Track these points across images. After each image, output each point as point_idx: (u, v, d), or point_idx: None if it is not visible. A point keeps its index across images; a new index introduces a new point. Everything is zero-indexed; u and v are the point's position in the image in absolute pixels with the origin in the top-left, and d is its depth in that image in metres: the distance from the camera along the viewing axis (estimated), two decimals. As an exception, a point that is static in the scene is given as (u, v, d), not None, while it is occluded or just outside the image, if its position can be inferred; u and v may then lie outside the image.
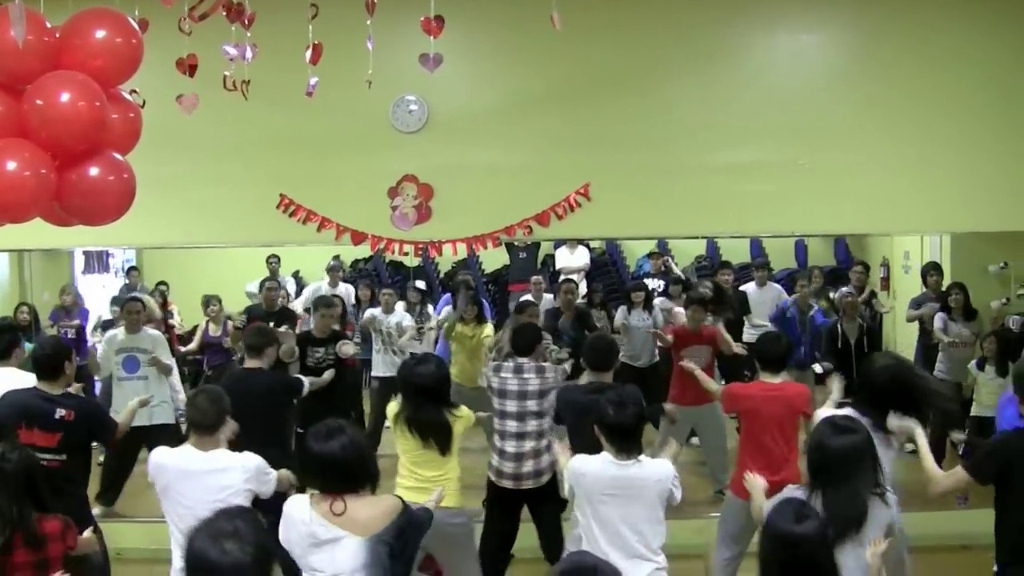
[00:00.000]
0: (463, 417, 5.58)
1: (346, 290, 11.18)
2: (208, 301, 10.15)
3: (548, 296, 10.42)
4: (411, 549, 4.03)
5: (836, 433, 4.06)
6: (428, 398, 5.45)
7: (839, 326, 8.76)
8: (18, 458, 4.29)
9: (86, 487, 5.75)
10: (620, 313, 9.65)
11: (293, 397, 6.57)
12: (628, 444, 4.46)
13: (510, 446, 6.05)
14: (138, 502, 8.20)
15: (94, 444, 5.77)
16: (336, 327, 8.25)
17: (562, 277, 12.56)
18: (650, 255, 12.36)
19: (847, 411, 4.83)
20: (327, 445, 3.87)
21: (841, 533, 3.88)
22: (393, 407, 5.61)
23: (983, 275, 9.58)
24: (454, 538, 5.53)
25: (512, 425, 6.10)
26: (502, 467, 6.08)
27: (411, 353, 9.30)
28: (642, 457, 4.50)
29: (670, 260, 12.53)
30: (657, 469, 4.52)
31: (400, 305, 9.96)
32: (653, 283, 11.40)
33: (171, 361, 8.24)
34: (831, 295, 10.45)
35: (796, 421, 5.85)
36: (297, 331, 8.62)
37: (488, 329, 8.92)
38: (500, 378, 6.21)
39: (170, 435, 7.42)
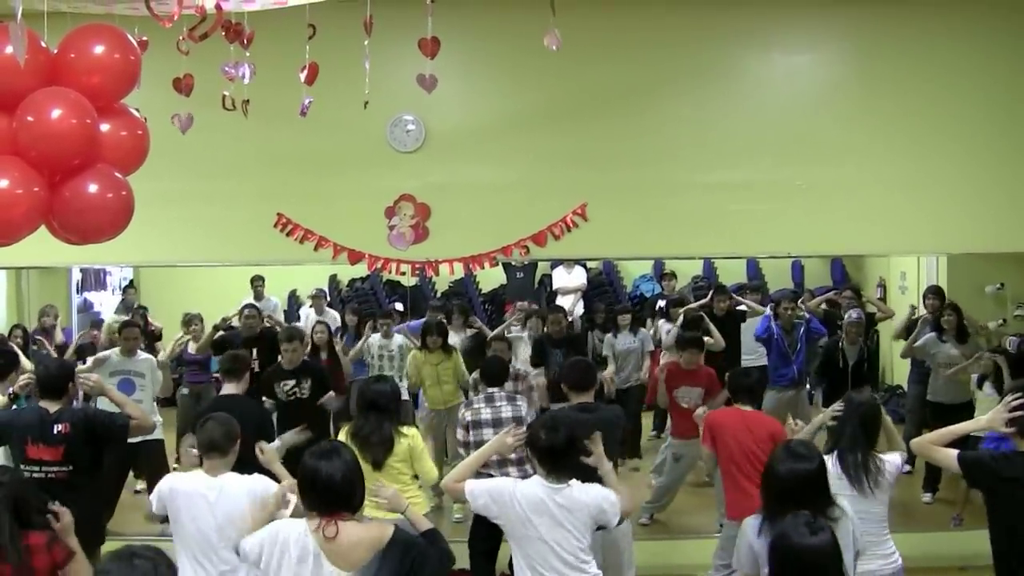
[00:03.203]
0: (411, 436, 5.76)
1: (333, 316, 11.28)
2: (190, 320, 10.09)
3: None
4: None
5: (788, 458, 4.05)
6: (376, 413, 5.68)
7: (840, 346, 8.77)
8: (8, 481, 4.27)
9: (96, 501, 5.71)
10: (607, 341, 9.73)
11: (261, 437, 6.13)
12: (558, 467, 4.42)
13: (493, 469, 6.11)
14: (133, 521, 8.18)
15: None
16: (306, 357, 8.09)
17: (557, 301, 12.64)
18: (663, 276, 12.35)
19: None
20: (324, 465, 3.81)
21: None
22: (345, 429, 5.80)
23: (980, 296, 9.61)
24: None
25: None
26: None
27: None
28: (572, 481, 4.44)
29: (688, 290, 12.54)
30: (588, 493, 4.44)
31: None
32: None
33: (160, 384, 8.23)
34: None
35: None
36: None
37: (457, 359, 8.89)
38: (473, 410, 6.46)
39: (152, 450, 7.63)
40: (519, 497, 4.40)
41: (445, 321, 9.50)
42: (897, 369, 11.58)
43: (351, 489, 3.82)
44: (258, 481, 4.72)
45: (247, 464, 5.07)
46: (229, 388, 6.43)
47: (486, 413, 6.41)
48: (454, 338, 9.65)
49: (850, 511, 4.20)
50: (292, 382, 7.71)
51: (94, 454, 5.56)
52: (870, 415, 5.02)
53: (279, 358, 7.83)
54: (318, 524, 3.75)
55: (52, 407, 5.52)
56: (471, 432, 6.37)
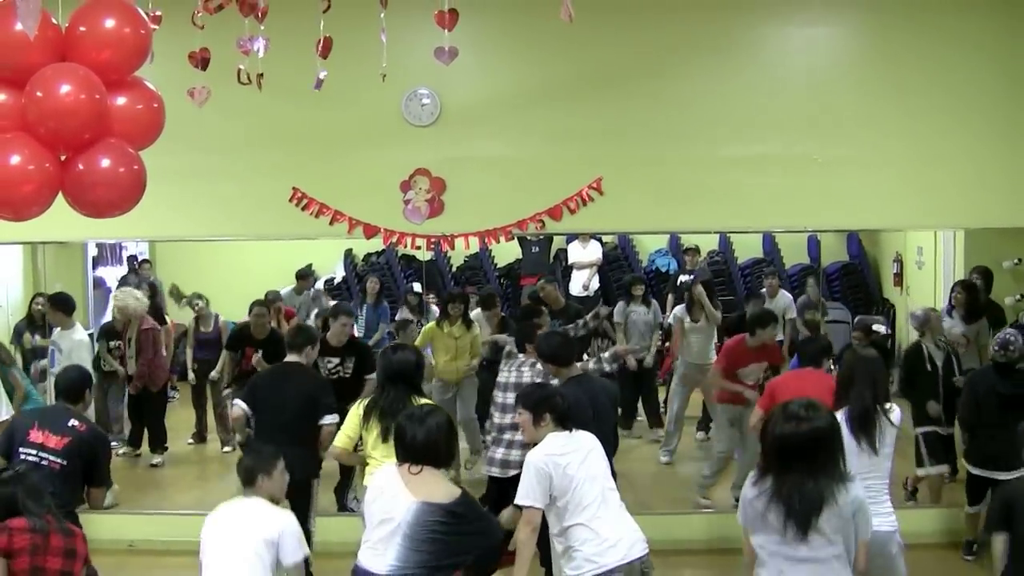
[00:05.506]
0: None
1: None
2: (191, 301, 10.14)
3: None
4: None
5: (787, 420, 3.92)
6: (399, 384, 5.61)
7: (925, 349, 8.05)
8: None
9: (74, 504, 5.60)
10: (619, 308, 9.68)
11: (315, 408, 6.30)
12: (567, 425, 4.95)
13: (508, 435, 6.29)
14: (149, 495, 8.25)
15: None
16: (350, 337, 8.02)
17: (572, 275, 12.61)
18: (686, 251, 12.27)
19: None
20: (411, 428, 4.36)
21: (796, 520, 3.85)
22: (356, 408, 5.75)
23: (997, 271, 9.50)
24: None
25: (509, 418, 6.24)
26: (494, 454, 6.36)
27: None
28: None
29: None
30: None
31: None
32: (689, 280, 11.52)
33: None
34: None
35: None
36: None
37: (476, 333, 8.78)
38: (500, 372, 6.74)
39: None
40: (560, 451, 4.81)
41: (464, 295, 9.14)
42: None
43: (436, 449, 4.37)
44: (290, 519, 4.72)
45: (304, 436, 5.95)
46: (292, 357, 6.49)
47: (507, 376, 6.58)
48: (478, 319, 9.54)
49: (861, 494, 4.05)
50: (336, 360, 7.76)
51: (84, 471, 5.51)
52: (878, 372, 5.06)
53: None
54: (404, 464, 4.35)
55: (73, 408, 5.64)
56: (497, 394, 6.60)
